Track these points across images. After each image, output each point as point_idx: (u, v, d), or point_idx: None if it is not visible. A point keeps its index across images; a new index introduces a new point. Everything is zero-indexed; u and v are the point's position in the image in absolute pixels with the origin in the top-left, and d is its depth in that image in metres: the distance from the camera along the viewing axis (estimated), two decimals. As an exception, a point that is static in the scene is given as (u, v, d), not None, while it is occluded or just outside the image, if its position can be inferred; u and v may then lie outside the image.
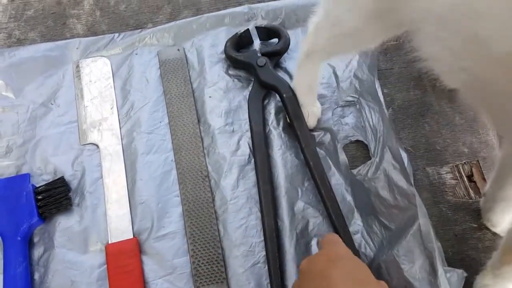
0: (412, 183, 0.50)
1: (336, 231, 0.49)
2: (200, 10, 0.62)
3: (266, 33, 0.58)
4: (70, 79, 0.58)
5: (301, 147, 0.52)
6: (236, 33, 0.58)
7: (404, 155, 0.52)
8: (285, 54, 0.59)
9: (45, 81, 0.58)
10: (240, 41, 0.58)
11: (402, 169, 0.50)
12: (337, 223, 0.48)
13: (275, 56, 0.57)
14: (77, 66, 0.59)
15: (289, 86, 0.54)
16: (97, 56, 0.59)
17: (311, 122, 0.54)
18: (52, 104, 0.57)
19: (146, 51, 0.60)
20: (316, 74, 0.53)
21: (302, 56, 0.51)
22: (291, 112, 0.53)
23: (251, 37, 0.58)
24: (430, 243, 0.47)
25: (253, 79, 0.57)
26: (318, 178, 0.50)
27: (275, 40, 0.59)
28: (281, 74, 0.58)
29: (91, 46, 0.60)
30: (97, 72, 0.58)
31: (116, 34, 0.60)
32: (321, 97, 0.56)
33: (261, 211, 0.49)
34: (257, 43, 0.59)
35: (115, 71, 0.59)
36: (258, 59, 0.56)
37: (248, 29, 0.58)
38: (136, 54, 0.59)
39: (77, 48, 0.60)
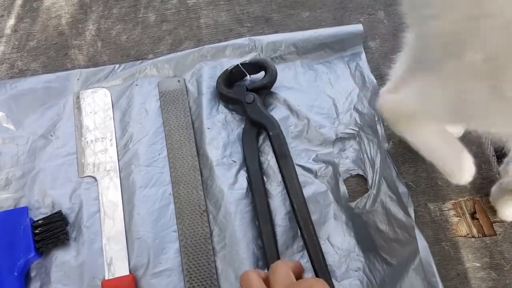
0: (411, 215, 0.50)
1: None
2: (201, 41, 0.63)
3: (253, 67, 0.58)
4: (70, 110, 0.58)
5: (286, 188, 0.50)
6: (227, 69, 0.58)
7: (403, 188, 0.51)
8: (285, 84, 0.58)
9: (45, 112, 0.58)
10: (232, 77, 0.58)
11: (399, 201, 0.49)
12: (319, 270, 0.47)
13: (263, 90, 0.57)
14: (77, 97, 0.59)
15: (277, 124, 0.54)
16: (98, 87, 0.60)
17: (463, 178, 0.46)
18: (51, 135, 0.57)
19: (146, 82, 0.60)
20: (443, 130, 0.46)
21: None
22: (277, 151, 0.52)
23: (243, 72, 0.58)
24: (433, 277, 0.46)
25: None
26: (301, 221, 0.48)
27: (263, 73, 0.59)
28: (282, 106, 0.57)
29: (91, 77, 0.60)
30: (97, 103, 0.59)
31: (117, 65, 0.60)
32: (321, 127, 0.55)
33: (265, 255, 0.49)
34: (248, 79, 0.59)
35: (115, 102, 0.59)
36: (246, 95, 0.55)
37: (238, 65, 0.57)
38: (136, 85, 0.60)
39: (78, 79, 0.60)
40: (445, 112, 0.38)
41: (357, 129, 0.55)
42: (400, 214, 0.49)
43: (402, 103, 0.45)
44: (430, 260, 0.47)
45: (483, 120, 0.37)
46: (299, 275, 0.38)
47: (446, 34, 0.33)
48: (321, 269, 0.47)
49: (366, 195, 0.51)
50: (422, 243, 0.48)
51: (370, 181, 0.52)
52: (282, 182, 0.53)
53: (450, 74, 0.35)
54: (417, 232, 0.48)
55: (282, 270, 0.36)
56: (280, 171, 0.52)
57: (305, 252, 0.49)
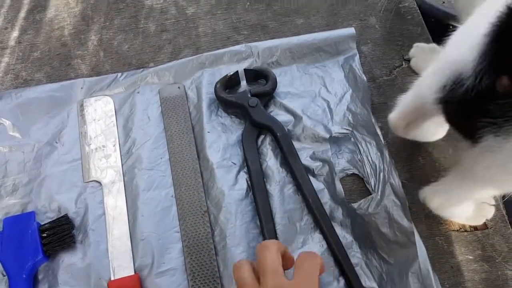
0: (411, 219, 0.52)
1: (339, 264, 0.50)
2: (200, 49, 0.65)
3: (254, 74, 0.61)
4: (75, 118, 0.60)
5: (298, 184, 0.53)
6: (226, 75, 0.60)
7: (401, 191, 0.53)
8: (282, 89, 0.60)
9: (50, 120, 0.60)
10: (230, 83, 0.60)
11: (404, 207, 0.51)
12: (340, 256, 0.50)
13: (265, 97, 0.59)
14: (81, 105, 0.61)
15: (282, 125, 0.56)
16: (101, 95, 0.62)
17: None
18: (56, 142, 0.59)
19: (148, 89, 0.62)
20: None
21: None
22: (286, 150, 0.55)
23: (240, 79, 0.61)
24: (430, 283, 0.47)
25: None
26: (317, 214, 0.51)
27: (262, 81, 0.61)
28: (280, 110, 0.60)
29: (94, 85, 0.62)
30: (100, 111, 0.61)
31: (119, 74, 0.63)
32: (316, 126, 0.57)
33: None
34: (243, 84, 0.61)
35: (118, 109, 0.61)
36: (249, 100, 0.58)
37: (237, 71, 0.60)
38: (138, 92, 0.62)
39: (81, 88, 0.62)
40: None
41: (350, 129, 0.57)
42: (402, 219, 0.51)
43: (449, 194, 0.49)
44: (428, 266, 0.48)
45: None
46: (283, 253, 0.40)
47: None
48: (344, 258, 0.50)
49: (369, 197, 0.53)
50: (421, 249, 0.49)
51: (372, 185, 0.54)
52: (280, 182, 0.55)
53: None
54: (418, 239, 0.50)
55: (268, 257, 0.38)
56: (291, 169, 0.55)
57: (305, 249, 0.51)
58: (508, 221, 0.52)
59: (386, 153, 0.55)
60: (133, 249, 0.52)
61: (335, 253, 0.50)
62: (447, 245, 0.51)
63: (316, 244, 0.52)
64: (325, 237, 0.51)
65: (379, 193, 0.53)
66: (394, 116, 0.52)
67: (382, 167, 0.54)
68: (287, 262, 0.40)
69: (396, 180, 0.53)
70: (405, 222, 0.50)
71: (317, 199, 0.52)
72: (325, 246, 0.51)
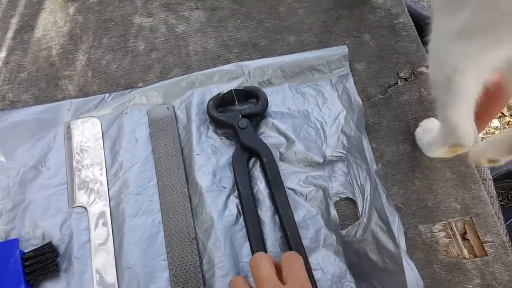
0: (401, 239, 0.49)
1: None
2: (190, 68, 0.63)
3: (244, 94, 0.59)
4: (61, 141, 0.59)
5: (279, 215, 0.51)
6: (219, 93, 0.58)
7: (393, 213, 0.51)
8: (274, 108, 0.59)
9: (36, 143, 0.59)
10: (223, 101, 0.59)
11: (389, 231, 0.49)
12: None
13: (256, 117, 0.57)
14: (68, 127, 0.59)
15: (269, 150, 0.55)
16: (88, 116, 0.60)
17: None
18: (42, 166, 0.57)
19: (136, 110, 0.60)
20: None
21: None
22: (270, 178, 0.53)
23: (233, 98, 0.59)
24: None
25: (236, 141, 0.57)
26: (294, 249, 0.49)
27: (253, 100, 0.60)
28: (271, 131, 0.58)
29: (82, 107, 0.61)
30: (87, 133, 0.59)
31: (107, 95, 0.61)
32: (309, 149, 0.55)
33: None
34: (236, 104, 0.60)
35: (105, 131, 0.59)
36: (239, 121, 0.56)
37: (231, 90, 0.58)
38: (126, 113, 0.60)
39: (68, 110, 0.61)
40: None
41: (344, 152, 0.55)
42: (389, 245, 0.49)
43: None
44: None
45: None
46: (276, 263, 0.41)
47: None
48: None
49: (356, 223, 0.51)
50: (411, 273, 0.47)
51: (360, 209, 0.52)
52: (271, 208, 0.53)
53: None
54: (407, 262, 0.48)
55: (263, 267, 0.40)
56: (273, 198, 0.53)
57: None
58: (508, 248, 0.49)
59: (373, 176, 0.53)
60: (119, 278, 0.50)
61: None
62: (445, 273, 0.49)
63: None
64: None
65: (366, 218, 0.51)
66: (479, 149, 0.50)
67: (369, 190, 0.52)
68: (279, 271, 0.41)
69: (381, 203, 0.51)
70: (392, 248, 0.48)
71: (296, 233, 0.50)
72: None
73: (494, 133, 1.54)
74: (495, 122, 1.56)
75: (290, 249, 0.50)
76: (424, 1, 0.94)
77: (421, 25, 0.72)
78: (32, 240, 0.53)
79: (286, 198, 0.52)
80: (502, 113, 1.58)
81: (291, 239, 0.49)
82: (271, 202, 0.53)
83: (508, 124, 1.56)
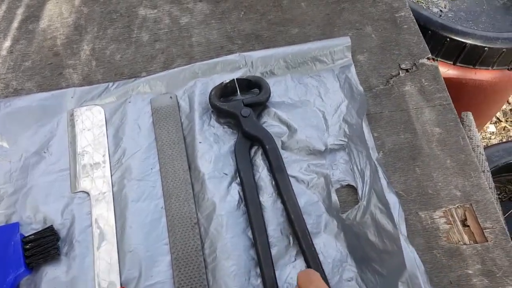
0: (402, 224, 0.50)
1: None
2: (193, 59, 0.64)
3: (247, 84, 0.59)
4: (64, 128, 0.59)
5: (283, 200, 0.51)
6: (222, 82, 0.59)
7: (394, 199, 0.51)
8: (276, 99, 0.59)
9: (39, 129, 0.59)
10: (225, 91, 0.59)
11: (388, 213, 0.49)
12: None
13: (258, 106, 0.58)
14: (71, 115, 0.60)
15: (272, 138, 0.55)
16: (92, 104, 0.60)
17: None
18: (45, 152, 0.57)
19: (139, 99, 0.61)
20: None
21: None
22: (273, 164, 0.53)
23: (236, 87, 0.59)
24: None
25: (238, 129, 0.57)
26: (299, 232, 0.49)
27: (256, 90, 0.60)
28: (274, 121, 0.58)
29: (85, 95, 0.61)
30: (91, 121, 0.59)
31: (111, 83, 0.62)
32: (311, 138, 0.56)
33: (260, 265, 0.48)
34: (239, 94, 0.60)
35: (109, 119, 0.59)
36: (242, 109, 0.56)
37: (234, 80, 0.59)
38: (130, 102, 0.60)
39: (72, 97, 0.61)
40: None
41: (346, 140, 0.56)
42: (388, 226, 0.49)
43: None
44: (416, 272, 0.46)
45: None
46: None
47: None
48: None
49: (356, 206, 0.51)
50: (410, 254, 0.47)
51: (360, 193, 0.52)
52: (273, 194, 0.53)
53: None
54: (407, 244, 0.48)
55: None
56: (276, 184, 0.53)
57: (298, 262, 0.49)
58: (508, 234, 0.50)
59: (373, 159, 0.54)
60: (120, 262, 0.50)
61: None
62: (446, 259, 0.49)
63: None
64: (305, 258, 0.49)
65: (365, 200, 0.51)
66: None
67: (368, 174, 0.53)
68: None
69: (380, 186, 0.51)
70: (391, 228, 0.48)
71: (300, 217, 0.50)
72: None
73: (490, 138, 1.55)
74: (491, 128, 1.57)
75: (295, 234, 0.50)
76: (423, 2, 0.96)
77: (421, 25, 0.73)
78: (33, 225, 0.53)
79: (289, 183, 0.52)
80: (498, 118, 1.58)
81: (295, 222, 0.50)
82: (273, 189, 0.54)
83: (504, 129, 1.57)
